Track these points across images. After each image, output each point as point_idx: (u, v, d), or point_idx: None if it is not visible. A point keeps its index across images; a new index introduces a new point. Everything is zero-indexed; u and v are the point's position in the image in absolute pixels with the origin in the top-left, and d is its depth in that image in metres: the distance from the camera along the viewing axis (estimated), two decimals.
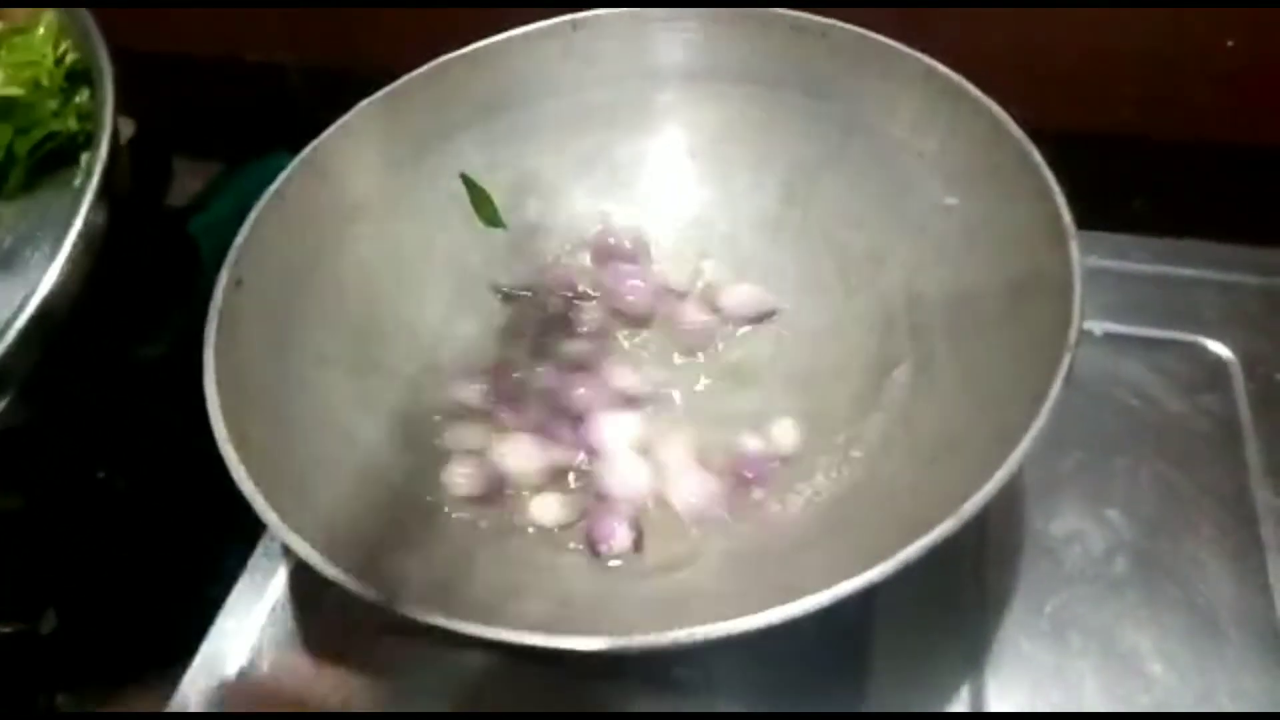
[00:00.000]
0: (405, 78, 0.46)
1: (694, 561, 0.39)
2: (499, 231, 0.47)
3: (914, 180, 0.43)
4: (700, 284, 0.47)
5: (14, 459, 0.45)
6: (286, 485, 0.34)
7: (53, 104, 0.45)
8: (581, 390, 0.44)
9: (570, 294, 0.48)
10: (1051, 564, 0.41)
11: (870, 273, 0.44)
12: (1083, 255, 0.34)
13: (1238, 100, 0.53)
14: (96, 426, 0.49)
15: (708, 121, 0.48)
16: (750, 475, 0.41)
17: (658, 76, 0.48)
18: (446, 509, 0.40)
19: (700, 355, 0.45)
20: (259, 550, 0.44)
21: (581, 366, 0.45)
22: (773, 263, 0.47)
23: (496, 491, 0.41)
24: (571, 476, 0.42)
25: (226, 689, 0.40)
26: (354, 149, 0.44)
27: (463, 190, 0.47)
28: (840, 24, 0.44)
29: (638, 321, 0.47)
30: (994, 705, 0.37)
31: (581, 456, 0.42)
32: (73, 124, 0.45)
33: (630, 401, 0.44)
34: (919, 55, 0.42)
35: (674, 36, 0.47)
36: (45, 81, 0.46)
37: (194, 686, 0.40)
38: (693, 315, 0.46)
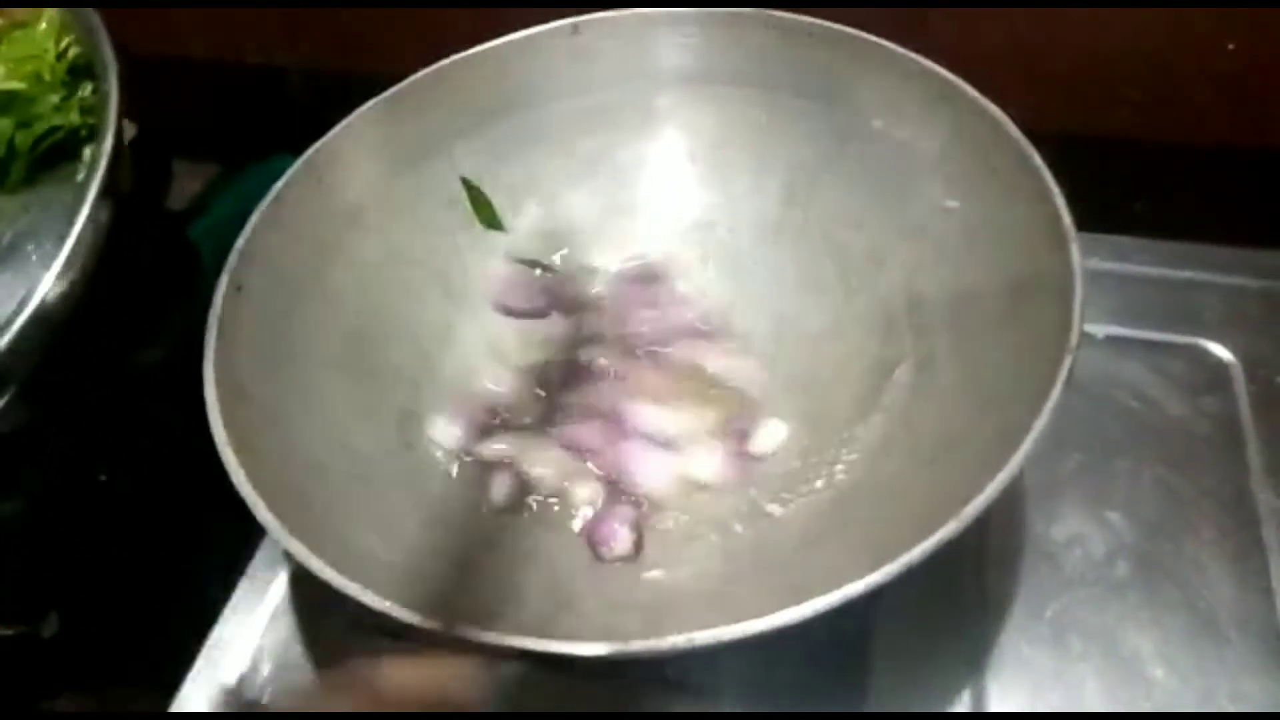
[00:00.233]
0: (406, 81, 0.46)
1: (695, 564, 0.39)
2: (498, 234, 0.47)
3: (914, 182, 0.43)
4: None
5: (16, 462, 0.45)
6: (286, 489, 0.34)
7: (54, 98, 0.45)
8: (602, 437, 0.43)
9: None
10: (1052, 567, 0.40)
11: (871, 274, 0.44)
12: (1083, 257, 0.34)
13: (1238, 102, 0.52)
14: (98, 429, 0.49)
15: (708, 124, 0.48)
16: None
17: (658, 79, 0.48)
18: (446, 513, 0.40)
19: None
20: (260, 554, 0.44)
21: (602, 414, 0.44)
22: (773, 264, 0.47)
23: (519, 500, 0.41)
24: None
25: (227, 693, 0.40)
26: (354, 152, 0.44)
27: (463, 193, 0.47)
28: (840, 27, 0.44)
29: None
30: (995, 708, 0.37)
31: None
32: (75, 118, 0.44)
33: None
34: (919, 58, 0.42)
35: (674, 39, 0.47)
36: (47, 76, 0.46)
37: (195, 691, 0.40)
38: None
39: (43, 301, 0.37)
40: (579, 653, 0.28)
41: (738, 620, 0.28)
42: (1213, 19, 0.50)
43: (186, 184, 0.61)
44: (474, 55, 0.46)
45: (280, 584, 0.43)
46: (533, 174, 0.48)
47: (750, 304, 0.47)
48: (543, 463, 0.42)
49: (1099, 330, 0.47)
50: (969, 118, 0.40)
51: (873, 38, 0.43)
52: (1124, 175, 0.54)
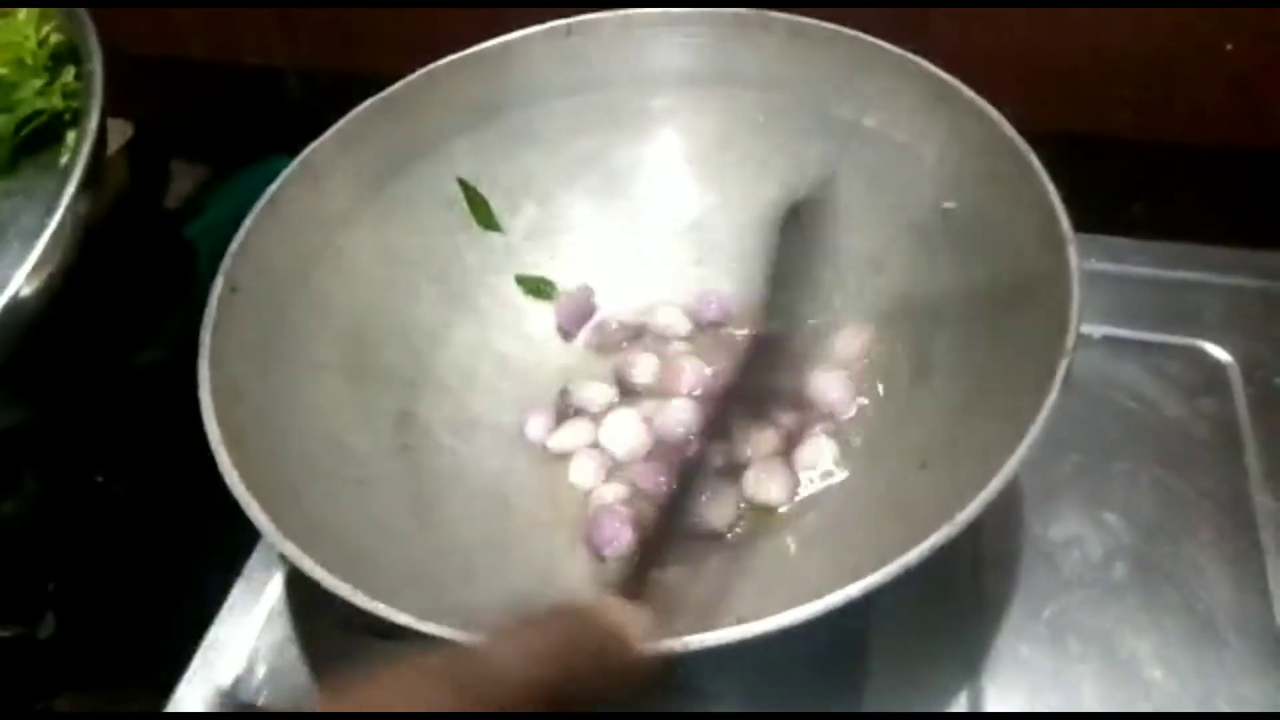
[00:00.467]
0: (402, 82, 0.46)
1: (692, 565, 0.39)
2: (496, 235, 0.47)
3: (912, 184, 0.43)
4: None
5: (13, 463, 0.45)
6: (280, 491, 0.34)
7: (37, 83, 0.45)
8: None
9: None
10: (1050, 568, 0.40)
11: (868, 276, 0.44)
12: (1082, 259, 0.34)
13: (1236, 103, 0.52)
14: (94, 430, 0.49)
15: (705, 126, 0.48)
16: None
17: (655, 80, 0.48)
18: (443, 515, 0.40)
19: None
20: (256, 555, 0.44)
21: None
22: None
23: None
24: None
25: (223, 695, 0.40)
26: (350, 153, 0.44)
27: (458, 194, 0.47)
28: (838, 28, 0.44)
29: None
30: (992, 710, 0.37)
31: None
32: (57, 102, 0.44)
33: None
34: (917, 59, 0.42)
35: (671, 40, 0.47)
36: (29, 61, 0.45)
37: (191, 692, 0.40)
38: None
39: (18, 292, 0.37)
40: None
41: (733, 624, 0.28)
42: (1212, 20, 0.50)
43: (184, 184, 0.61)
44: (469, 56, 0.46)
45: (276, 585, 0.43)
46: (529, 175, 0.48)
47: (747, 306, 0.47)
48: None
49: (1097, 331, 0.47)
50: (967, 119, 0.40)
51: (872, 40, 0.43)
52: (1123, 175, 0.54)
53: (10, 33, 0.46)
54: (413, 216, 0.46)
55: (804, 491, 0.40)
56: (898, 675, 0.38)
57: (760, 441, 0.42)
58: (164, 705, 0.40)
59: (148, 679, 0.43)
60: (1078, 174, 0.37)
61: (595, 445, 0.44)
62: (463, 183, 0.47)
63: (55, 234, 0.38)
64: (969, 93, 0.40)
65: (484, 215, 0.48)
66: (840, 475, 0.40)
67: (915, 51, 0.42)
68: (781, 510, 0.40)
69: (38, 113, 0.44)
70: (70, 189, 0.39)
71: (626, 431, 0.44)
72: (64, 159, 0.42)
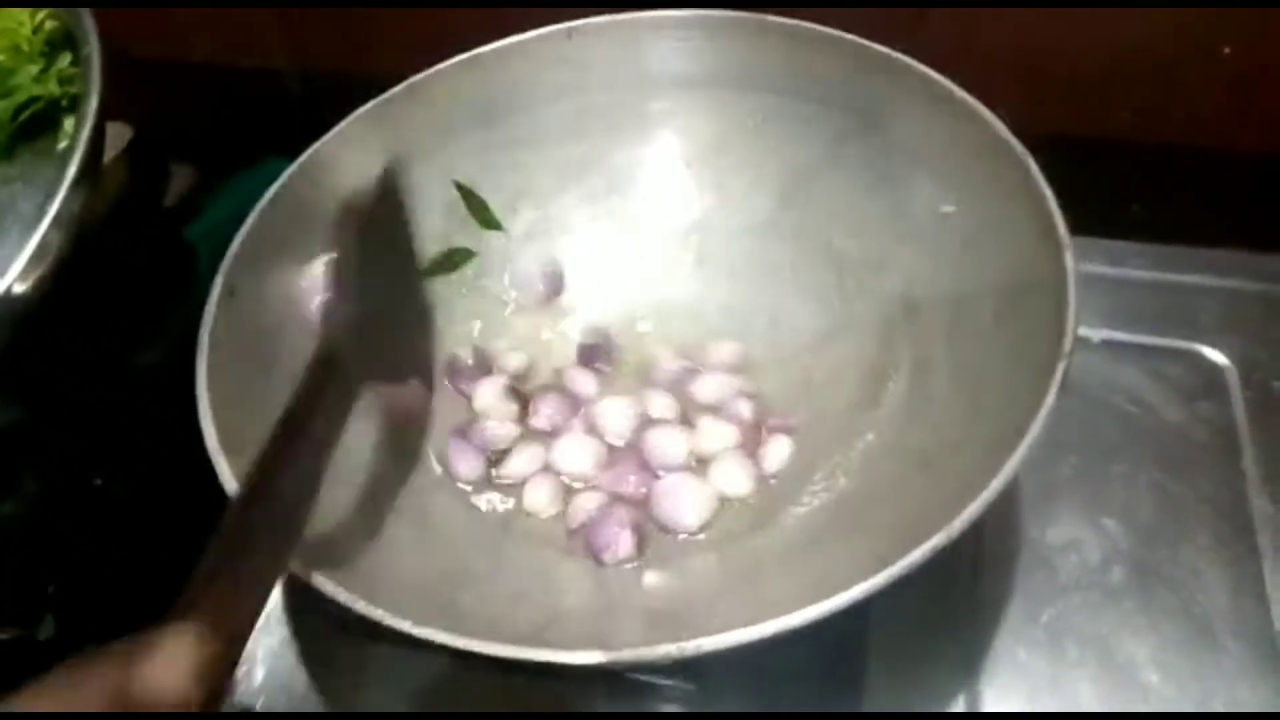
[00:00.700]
0: (401, 84, 0.46)
1: (689, 570, 0.39)
2: (496, 235, 0.47)
3: (910, 187, 0.43)
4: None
5: (12, 463, 0.45)
6: None
7: (33, 69, 0.44)
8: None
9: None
10: (1048, 572, 0.40)
11: (867, 279, 0.44)
12: (1080, 262, 0.34)
13: (1235, 105, 0.53)
14: (93, 432, 0.49)
15: (703, 128, 0.48)
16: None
17: (654, 83, 0.48)
18: (440, 517, 0.40)
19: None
20: None
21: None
22: (769, 269, 0.47)
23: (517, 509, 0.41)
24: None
25: None
26: (349, 156, 0.44)
27: (457, 197, 0.47)
28: (836, 32, 0.44)
29: None
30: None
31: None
32: (54, 88, 0.44)
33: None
34: (915, 63, 0.42)
35: (669, 43, 0.47)
36: (25, 47, 0.45)
37: None
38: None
39: (17, 278, 0.37)
40: (573, 661, 0.28)
41: (731, 628, 0.28)
42: (1211, 22, 0.50)
43: (183, 185, 0.61)
44: (468, 59, 0.46)
45: (274, 588, 0.43)
46: (528, 177, 0.48)
47: (746, 309, 0.47)
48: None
49: (1095, 334, 0.47)
50: (964, 122, 0.40)
51: (870, 43, 0.43)
52: (1121, 177, 0.54)
53: (5, 19, 0.46)
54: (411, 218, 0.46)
55: (804, 493, 0.40)
56: (896, 676, 0.38)
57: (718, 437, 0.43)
58: None
59: None
60: (1076, 176, 0.37)
61: (548, 469, 0.43)
62: (460, 186, 0.47)
63: (54, 220, 0.38)
64: (966, 96, 0.40)
65: (484, 215, 0.48)
66: (840, 477, 0.40)
67: (912, 52, 0.42)
68: (780, 511, 0.40)
69: (34, 99, 0.43)
70: (70, 175, 0.39)
71: (577, 448, 0.43)
72: (62, 145, 0.42)
